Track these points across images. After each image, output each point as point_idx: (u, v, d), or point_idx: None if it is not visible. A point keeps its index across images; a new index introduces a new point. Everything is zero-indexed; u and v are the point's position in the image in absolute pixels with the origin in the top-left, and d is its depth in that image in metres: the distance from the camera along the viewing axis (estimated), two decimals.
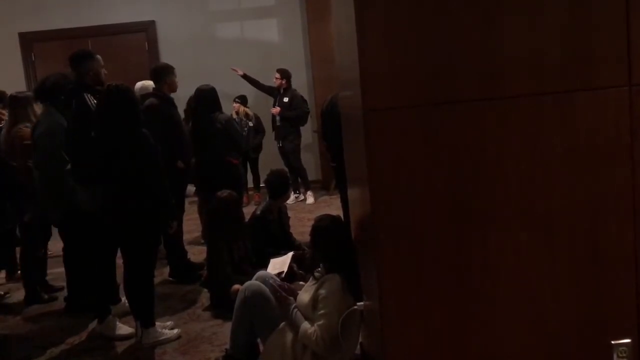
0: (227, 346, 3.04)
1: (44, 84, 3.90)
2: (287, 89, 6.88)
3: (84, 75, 3.59)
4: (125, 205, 3.21)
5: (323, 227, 2.78)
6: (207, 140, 4.58)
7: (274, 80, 6.88)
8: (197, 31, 7.77)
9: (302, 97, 6.98)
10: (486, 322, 1.77)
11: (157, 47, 7.80)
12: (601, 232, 1.73)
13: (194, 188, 5.38)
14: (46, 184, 3.78)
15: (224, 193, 4.03)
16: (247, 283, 2.95)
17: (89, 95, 3.51)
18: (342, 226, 2.86)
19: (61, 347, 3.51)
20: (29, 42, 7.76)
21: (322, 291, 2.58)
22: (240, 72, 6.99)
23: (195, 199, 6.40)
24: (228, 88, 6.59)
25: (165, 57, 7.14)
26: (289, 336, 2.68)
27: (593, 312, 1.76)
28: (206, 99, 4.65)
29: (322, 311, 2.55)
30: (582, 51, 1.67)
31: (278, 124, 6.89)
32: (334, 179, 5.73)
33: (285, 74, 6.87)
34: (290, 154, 6.91)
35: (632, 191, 1.71)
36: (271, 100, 7.06)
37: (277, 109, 6.82)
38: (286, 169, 5.88)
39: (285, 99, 6.83)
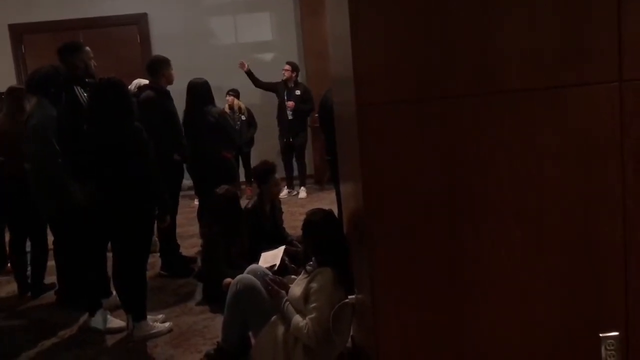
0: (219, 339, 3.05)
1: (36, 76, 3.87)
2: (297, 82, 6.81)
3: (73, 67, 3.57)
4: (117, 199, 3.20)
5: (315, 221, 2.79)
6: (200, 134, 4.57)
7: (283, 72, 6.77)
8: (190, 24, 7.73)
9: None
10: (477, 314, 1.78)
11: (150, 40, 7.76)
12: (591, 227, 1.75)
13: (189, 182, 5.36)
14: (38, 177, 3.76)
15: (223, 189, 4.00)
16: (239, 276, 2.95)
17: (79, 88, 3.49)
18: (334, 220, 2.87)
19: (52, 340, 3.50)
20: (19, 34, 7.69)
21: (314, 284, 2.59)
22: (246, 68, 6.85)
23: (189, 192, 6.37)
24: (220, 82, 6.56)
25: (158, 50, 7.09)
26: (281, 329, 2.69)
27: (582, 305, 1.79)
28: (199, 92, 4.63)
29: (313, 304, 2.56)
30: (574, 47, 1.68)
31: (290, 117, 6.76)
32: (329, 172, 5.71)
33: (295, 67, 6.80)
34: (299, 150, 6.88)
35: (621, 186, 1.73)
36: (268, 94, 6.99)
37: (292, 103, 6.72)
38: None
39: (297, 92, 6.73)
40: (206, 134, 4.56)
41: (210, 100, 4.69)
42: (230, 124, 4.99)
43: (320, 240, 2.71)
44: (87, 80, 3.58)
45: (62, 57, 3.61)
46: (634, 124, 1.71)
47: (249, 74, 6.87)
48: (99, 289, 3.70)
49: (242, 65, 6.84)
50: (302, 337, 2.58)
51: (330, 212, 2.90)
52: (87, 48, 3.68)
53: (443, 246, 1.76)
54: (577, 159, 1.73)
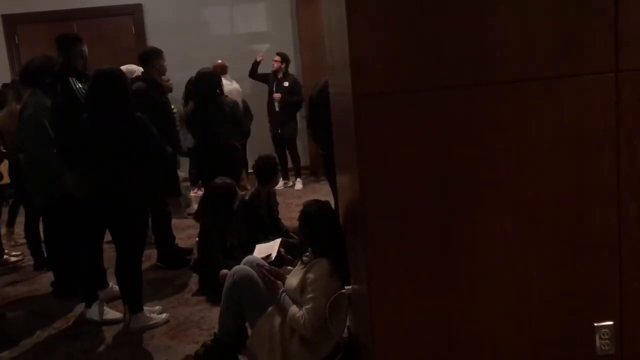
0: (216, 330, 3.06)
1: (29, 67, 3.86)
2: (286, 74, 6.78)
3: (73, 58, 3.54)
4: (114, 189, 3.19)
5: (311, 212, 2.79)
6: (213, 124, 4.51)
7: (272, 64, 6.76)
8: (185, 15, 7.68)
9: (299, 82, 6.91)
10: (473, 304, 1.79)
11: (144, 30, 7.71)
12: (586, 217, 1.76)
13: (182, 174, 5.35)
14: (32, 167, 3.75)
15: (220, 181, 4.00)
16: (236, 267, 2.96)
17: (73, 79, 3.47)
18: (331, 211, 2.88)
19: (48, 332, 3.50)
20: (13, 24, 7.63)
21: (311, 275, 2.60)
22: (259, 60, 6.86)
23: (184, 184, 6.36)
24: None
25: (153, 41, 7.07)
26: (278, 320, 2.70)
27: (577, 294, 1.79)
28: (210, 83, 4.59)
29: (310, 295, 2.57)
30: (570, 37, 1.68)
31: (277, 109, 6.75)
32: (323, 167, 5.72)
33: (285, 58, 6.76)
34: (289, 141, 6.85)
35: (616, 177, 1.74)
36: (261, 85, 6.97)
37: (278, 95, 6.68)
38: (274, 155, 5.84)
39: (286, 84, 6.70)
40: (220, 124, 4.51)
41: (222, 90, 4.66)
42: (242, 113, 4.96)
43: (317, 231, 2.72)
44: (83, 72, 3.56)
45: (61, 47, 3.57)
46: (629, 115, 1.71)
47: (257, 64, 6.86)
48: (94, 280, 3.69)
49: (261, 56, 6.88)
50: (298, 328, 2.59)
51: (326, 203, 2.91)
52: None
53: (438, 236, 1.76)
54: (572, 150, 1.73)
